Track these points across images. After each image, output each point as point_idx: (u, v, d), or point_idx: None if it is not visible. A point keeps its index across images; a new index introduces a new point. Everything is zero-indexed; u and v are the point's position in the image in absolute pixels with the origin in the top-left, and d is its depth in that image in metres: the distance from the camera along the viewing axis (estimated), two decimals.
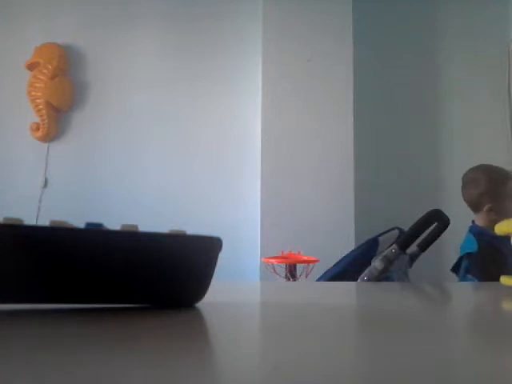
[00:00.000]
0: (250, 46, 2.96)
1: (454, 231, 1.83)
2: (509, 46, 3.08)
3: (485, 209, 1.97)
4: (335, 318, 0.31)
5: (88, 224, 0.30)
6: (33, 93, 3.05)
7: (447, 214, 1.72)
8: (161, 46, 3.09)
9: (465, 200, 2.05)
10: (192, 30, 3.06)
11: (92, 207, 2.91)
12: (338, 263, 2.20)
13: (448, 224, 1.67)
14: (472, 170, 2.08)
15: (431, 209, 1.71)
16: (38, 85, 3.05)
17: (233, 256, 2.39)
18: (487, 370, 0.17)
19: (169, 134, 3.03)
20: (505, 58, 3.07)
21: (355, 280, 1.66)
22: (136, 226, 0.31)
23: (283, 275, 2.31)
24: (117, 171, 3.02)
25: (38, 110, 3.05)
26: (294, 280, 2.28)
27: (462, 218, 2.02)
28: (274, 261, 2.31)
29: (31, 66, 3.07)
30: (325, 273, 2.20)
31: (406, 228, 1.81)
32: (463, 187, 2.07)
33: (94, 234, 0.30)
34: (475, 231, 1.99)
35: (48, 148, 3.09)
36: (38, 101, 3.05)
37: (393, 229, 2.20)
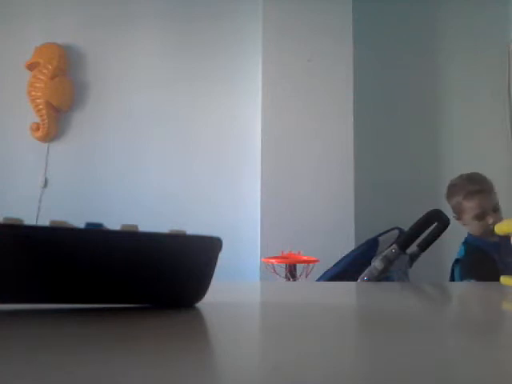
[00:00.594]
0: (249, 46, 2.96)
1: (454, 231, 1.84)
2: (509, 45, 3.08)
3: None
4: (335, 318, 0.31)
5: (88, 224, 0.30)
6: (33, 93, 3.05)
7: (447, 214, 1.72)
8: (161, 46, 3.09)
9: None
10: (192, 30, 3.06)
11: (92, 207, 2.91)
12: (337, 263, 2.21)
13: (448, 224, 1.67)
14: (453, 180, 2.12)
15: (431, 209, 1.71)
16: (37, 85, 3.05)
17: (233, 256, 2.39)
18: (487, 370, 0.17)
19: (169, 134, 3.03)
20: (505, 58, 3.07)
21: (355, 280, 1.66)
22: (136, 226, 0.31)
23: (283, 275, 2.31)
24: (117, 171, 3.02)
25: (38, 110, 3.05)
26: (294, 280, 2.28)
27: None
28: (274, 261, 2.31)
29: (31, 66, 3.07)
30: (325, 273, 2.20)
31: (406, 228, 1.81)
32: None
33: (94, 233, 0.30)
34: (464, 239, 2.04)
35: (48, 148, 3.09)
36: (38, 101, 3.05)
37: (393, 229, 2.20)
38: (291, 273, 2.31)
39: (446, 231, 1.66)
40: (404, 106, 3.06)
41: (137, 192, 2.98)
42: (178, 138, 3.03)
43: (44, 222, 0.29)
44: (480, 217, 1.96)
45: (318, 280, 2.12)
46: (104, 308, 0.31)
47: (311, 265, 2.30)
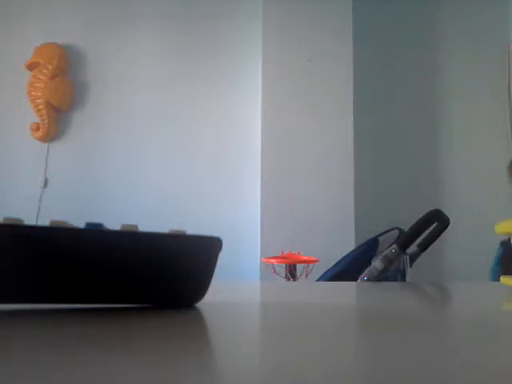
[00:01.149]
0: (250, 46, 2.96)
1: (454, 231, 1.84)
2: (509, 45, 3.08)
3: None
4: (335, 318, 0.31)
5: (88, 224, 0.30)
6: (33, 93, 3.05)
7: (447, 214, 1.72)
8: (161, 46, 3.09)
9: None
10: (192, 30, 3.06)
11: (92, 207, 2.91)
12: (337, 263, 2.21)
13: (448, 224, 1.66)
14: None
15: (431, 209, 1.71)
16: (37, 85, 3.05)
17: (233, 256, 2.39)
18: (487, 370, 0.17)
19: (169, 134, 3.03)
20: (505, 58, 3.07)
21: (355, 280, 1.66)
22: (136, 226, 0.31)
23: (283, 275, 2.31)
24: (117, 171, 3.02)
25: (38, 110, 3.05)
26: (294, 280, 2.28)
27: (462, 218, 2.03)
28: (274, 261, 2.31)
29: (31, 66, 3.07)
30: (325, 273, 2.20)
31: (405, 228, 1.81)
32: None
33: (94, 233, 0.30)
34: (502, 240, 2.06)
35: (48, 148, 3.09)
36: (38, 101, 3.05)
37: (393, 229, 2.20)
38: (291, 273, 2.31)
39: (446, 231, 1.67)
40: (404, 105, 3.06)
41: (137, 192, 2.98)
42: (177, 138, 3.03)
43: (44, 221, 0.29)
44: None
45: (318, 280, 2.12)
46: (104, 308, 0.31)
47: (311, 265, 2.30)
